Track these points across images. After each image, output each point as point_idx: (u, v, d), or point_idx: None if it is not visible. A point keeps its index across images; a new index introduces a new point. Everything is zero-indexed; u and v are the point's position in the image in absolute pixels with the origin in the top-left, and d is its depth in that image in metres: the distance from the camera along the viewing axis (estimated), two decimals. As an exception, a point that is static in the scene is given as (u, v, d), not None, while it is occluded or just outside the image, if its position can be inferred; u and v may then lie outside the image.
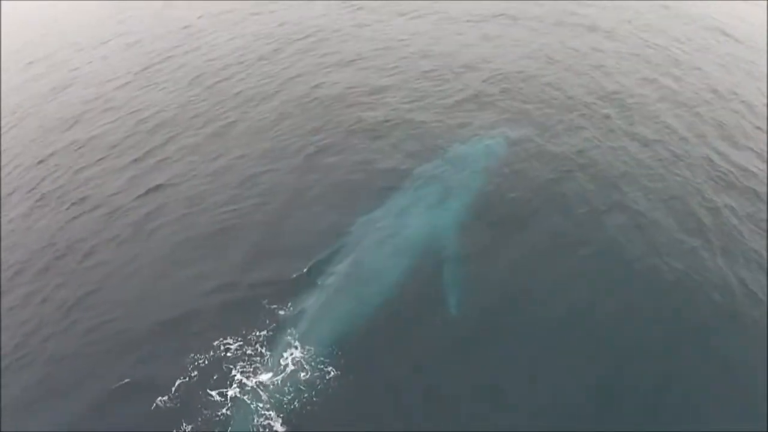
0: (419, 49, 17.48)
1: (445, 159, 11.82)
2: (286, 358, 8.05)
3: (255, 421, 7.46)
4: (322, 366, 7.95)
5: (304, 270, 9.41)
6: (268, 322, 8.59)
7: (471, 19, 19.54)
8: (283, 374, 7.89)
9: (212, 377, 7.93)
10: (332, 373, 7.85)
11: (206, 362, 8.14)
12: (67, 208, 12.40)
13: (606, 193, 10.93)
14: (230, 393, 7.75)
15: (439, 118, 13.63)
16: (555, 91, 14.52)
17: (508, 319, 8.81)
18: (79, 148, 14.77)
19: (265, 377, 7.91)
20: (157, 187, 12.35)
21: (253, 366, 8.06)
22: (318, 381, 7.79)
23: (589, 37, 18.01)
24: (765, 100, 14.52)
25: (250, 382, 7.85)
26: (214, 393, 7.78)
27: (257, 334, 8.42)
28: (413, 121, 13.55)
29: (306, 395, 7.64)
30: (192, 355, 8.20)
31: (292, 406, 7.54)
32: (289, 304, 8.82)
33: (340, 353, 8.10)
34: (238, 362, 8.10)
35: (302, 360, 8.02)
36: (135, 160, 13.61)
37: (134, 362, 8.47)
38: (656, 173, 11.51)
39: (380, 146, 12.68)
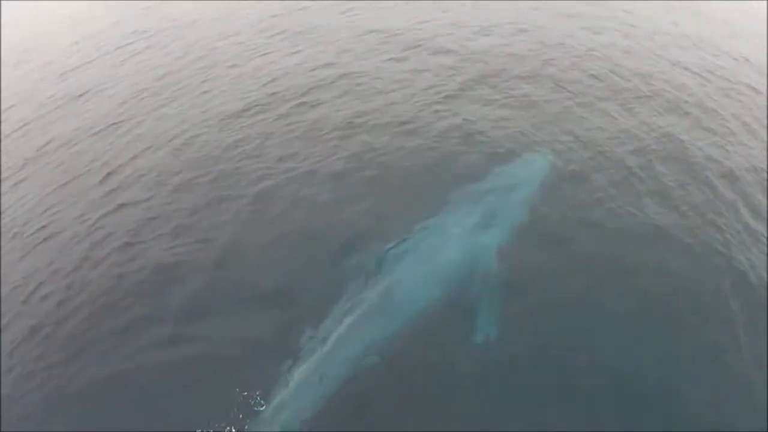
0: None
1: (484, 178, 9.78)
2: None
3: None
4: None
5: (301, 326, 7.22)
6: (245, 413, 6.29)
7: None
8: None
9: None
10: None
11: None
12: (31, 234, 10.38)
13: (652, 219, 9.05)
14: None
15: (475, 131, 11.37)
16: (594, 115, 12.03)
17: (552, 370, 6.89)
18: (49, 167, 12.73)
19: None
20: (121, 208, 10.38)
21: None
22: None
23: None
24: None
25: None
26: None
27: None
28: (448, 132, 11.34)
29: None
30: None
31: None
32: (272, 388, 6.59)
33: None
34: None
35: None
36: (107, 177, 11.53)
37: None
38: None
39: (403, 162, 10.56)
